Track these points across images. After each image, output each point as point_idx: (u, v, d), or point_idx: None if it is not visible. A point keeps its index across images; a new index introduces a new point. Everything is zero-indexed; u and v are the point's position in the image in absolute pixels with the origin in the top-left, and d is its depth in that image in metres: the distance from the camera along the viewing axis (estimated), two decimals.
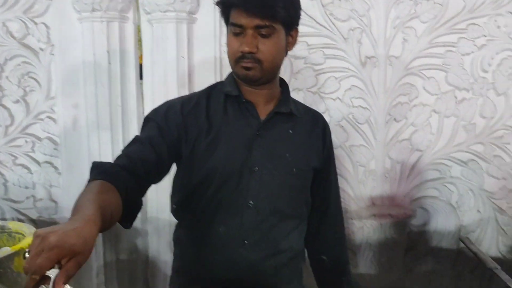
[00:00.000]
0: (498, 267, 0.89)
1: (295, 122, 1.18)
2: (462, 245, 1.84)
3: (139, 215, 1.75)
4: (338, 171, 1.33)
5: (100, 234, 1.78)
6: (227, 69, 1.16)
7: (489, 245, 1.84)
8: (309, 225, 1.23)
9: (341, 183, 1.75)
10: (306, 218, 1.21)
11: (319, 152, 1.21)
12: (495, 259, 1.84)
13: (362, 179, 1.81)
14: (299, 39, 1.21)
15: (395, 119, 1.79)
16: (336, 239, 1.29)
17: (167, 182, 1.18)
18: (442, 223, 1.83)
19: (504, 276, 0.86)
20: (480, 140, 1.80)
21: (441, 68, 1.77)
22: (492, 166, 1.81)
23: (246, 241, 1.08)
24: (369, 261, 1.82)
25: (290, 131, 1.17)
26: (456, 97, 1.78)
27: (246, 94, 1.14)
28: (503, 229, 1.84)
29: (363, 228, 1.82)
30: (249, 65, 1.08)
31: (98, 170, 0.92)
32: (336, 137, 1.76)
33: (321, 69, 1.76)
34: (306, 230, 1.21)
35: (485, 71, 1.77)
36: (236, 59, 1.09)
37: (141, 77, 1.75)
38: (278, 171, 1.12)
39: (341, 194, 1.50)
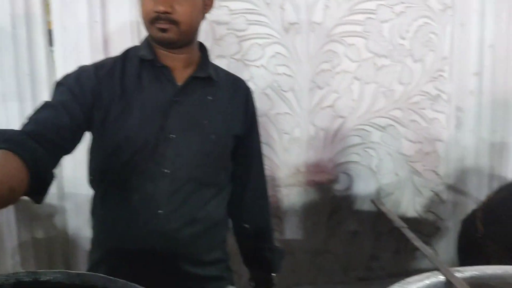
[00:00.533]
0: (405, 225, 0.93)
1: (215, 88, 1.14)
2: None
3: (55, 191, 1.65)
4: (263, 139, 1.32)
5: (13, 213, 1.68)
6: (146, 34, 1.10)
7: (407, 206, 1.95)
8: (232, 193, 1.21)
9: (267, 151, 1.75)
10: (227, 186, 1.19)
11: (241, 119, 1.19)
12: (412, 219, 1.96)
13: (287, 146, 1.82)
14: (220, 3, 1.17)
15: (318, 86, 1.80)
16: (259, 207, 1.28)
17: (84, 155, 1.11)
18: (363, 186, 1.90)
19: (409, 234, 0.90)
20: (398, 106, 1.87)
21: (362, 35, 1.79)
22: (409, 131, 1.89)
23: (160, 211, 1.05)
24: (295, 227, 1.85)
25: (210, 97, 1.13)
26: (375, 64, 1.82)
27: (162, 58, 1.09)
28: (419, 190, 1.94)
29: (289, 195, 1.85)
30: (165, 26, 1.03)
31: (0, 138, 0.84)
32: (261, 105, 1.74)
33: (244, 36, 1.72)
34: (228, 198, 1.20)
35: (403, 38, 1.82)
36: (151, 20, 1.03)
37: (51, 43, 1.62)
38: (195, 139, 1.09)
39: (267, 162, 1.50)
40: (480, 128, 1.91)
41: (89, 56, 1.55)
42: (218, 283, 1.18)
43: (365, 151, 1.89)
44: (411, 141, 1.90)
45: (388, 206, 1.91)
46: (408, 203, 1.94)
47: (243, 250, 1.31)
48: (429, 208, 1.95)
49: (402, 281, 0.80)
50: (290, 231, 1.86)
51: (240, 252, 1.32)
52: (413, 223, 1.95)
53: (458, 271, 0.83)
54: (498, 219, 1.40)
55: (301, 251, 1.87)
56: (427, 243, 1.99)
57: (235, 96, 1.19)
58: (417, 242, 0.92)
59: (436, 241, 1.97)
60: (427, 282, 0.80)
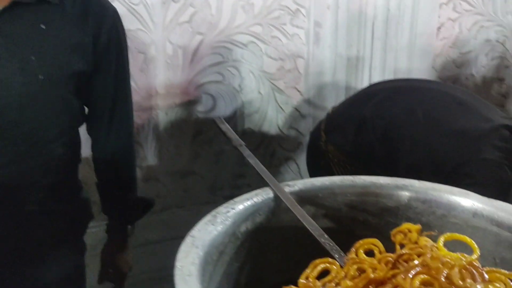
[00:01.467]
0: (243, 144, 0.91)
1: (53, 13, 0.95)
2: (246, 125, 1.93)
3: None
4: None
5: None
6: None
7: (270, 123, 1.96)
8: (91, 136, 1.13)
9: None
10: (74, 128, 1.07)
11: (87, 51, 1.01)
12: (276, 136, 1.99)
13: (143, 67, 1.69)
14: None
15: None
16: (120, 156, 1.18)
17: None
18: (226, 106, 1.86)
19: (246, 152, 0.88)
20: (258, 21, 1.81)
21: None
22: (270, 48, 1.86)
23: None
24: (157, 151, 1.78)
25: (43, 26, 0.94)
26: None
27: None
28: (281, 107, 1.96)
29: (149, 119, 1.75)
30: None
31: None
32: None
33: None
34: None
35: None
36: None
37: None
38: (18, 78, 0.92)
39: None
40: (337, 43, 1.94)
41: None
42: (57, 215, 1.10)
43: (227, 70, 1.83)
44: (272, 58, 1.88)
45: (251, 125, 1.93)
46: (271, 121, 1.96)
47: (103, 197, 1.23)
48: (291, 124, 1.99)
49: (230, 201, 0.78)
50: (153, 156, 1.79)
51: (100, 199, 1.24)
52: (277, 139, 1.99)
53: (288, 185, 0.83)
54: (338, 126, 1.48)
55: (165, 175, 1.82)
56: (290, 158, 2.06)
57: (82, 21, 0.99)
58: (252, 160, 0.90)
59: (298, 156, 2.04)
60: (255, 200, 0.79)
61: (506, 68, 2.33)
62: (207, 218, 0.70)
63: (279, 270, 0.77)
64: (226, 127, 0.98)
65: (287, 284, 0.68)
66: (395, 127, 1.34)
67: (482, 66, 2.27)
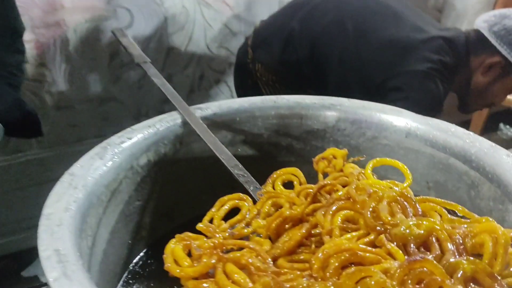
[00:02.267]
0: (148, 60, 0.77)
1: None
2: (170, 44, 1.75)
3: None
4: None
5: None
6: None
7: (197, 42, 1.79)
8: None
9: None
10: None
11: None
12: (204, 56, 1.83)
13: None
14: None
15: None
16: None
17: None
18: (146, 23, 1.66)
19: (150, 70, 0.75)
20: None
21: None
22: None
23: None
24: (67, 75, 1.58)
25: None
26: None
27: None
28: (209, 24, 1.78)
29: (55, 38, 1.53)
30: None
31: None
32: None
33: None
34: None
35: None
36: None
37: None
38: None
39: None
40: None
41: None
42: None
43: None
44: None
45: (176, 44, 1.75)
46: (199, 39, 1.78)
47: None
48: (220, 43, 1.83)
49: (126, 130, 0.65)
50: (64, 80, 1.58)
51: None
52: (205, 60, 1.83)
53: (200, 108, 0.71)
54: (265, 41, 1.35)
55: (80, 102, 1.63)
56: (221, 80, 1.92)
57: None
58: (157, 79, 0.77)
59: (229, 77, 1.90)
60: (159, 126, 0.66)
61: None
62: (94, 151, 0.57)
63: (190, 206, 0.66)
64: (127, 41, 0.82)
65: (199, 221, 0.57)
66: (323, 41, 1.23)
67: None
